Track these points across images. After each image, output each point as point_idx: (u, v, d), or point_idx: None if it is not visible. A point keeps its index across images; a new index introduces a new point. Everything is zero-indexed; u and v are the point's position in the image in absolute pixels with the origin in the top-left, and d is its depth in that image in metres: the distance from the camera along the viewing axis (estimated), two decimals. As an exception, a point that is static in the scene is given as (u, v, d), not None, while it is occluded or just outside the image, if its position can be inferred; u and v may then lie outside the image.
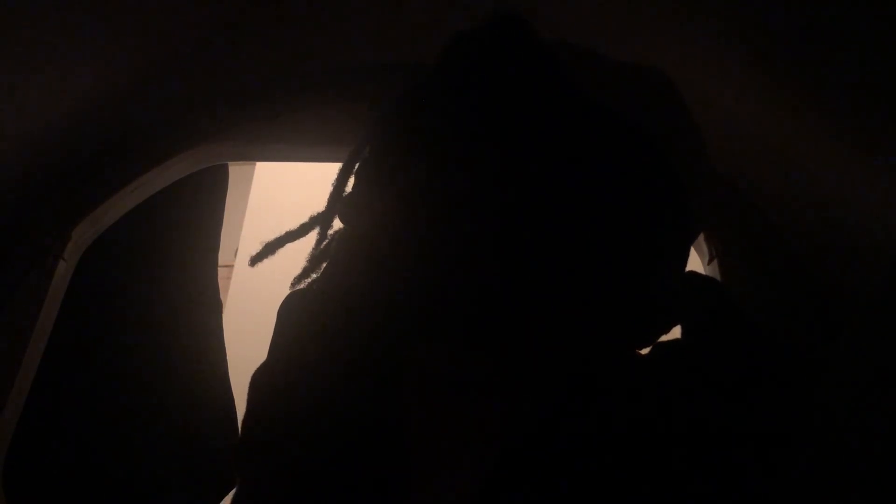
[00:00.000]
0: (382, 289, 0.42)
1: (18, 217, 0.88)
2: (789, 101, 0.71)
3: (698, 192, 0.45)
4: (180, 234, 1.12)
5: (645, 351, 0.47)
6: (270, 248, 0.54)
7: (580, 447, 0.41)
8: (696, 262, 0.92)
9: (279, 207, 1.98)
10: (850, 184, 0.71)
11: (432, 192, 0.40)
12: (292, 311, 0.51)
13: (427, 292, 0.40)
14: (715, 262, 0.87)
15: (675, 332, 0.48)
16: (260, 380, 0.50)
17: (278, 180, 2.11)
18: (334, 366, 0.46)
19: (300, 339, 0.49)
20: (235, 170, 1.49)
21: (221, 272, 1.24)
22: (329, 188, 0.52)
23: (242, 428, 0.49)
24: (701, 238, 0.89)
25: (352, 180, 0.49)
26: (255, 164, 2.07)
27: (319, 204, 0.54)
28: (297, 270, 0.52)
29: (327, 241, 0.50)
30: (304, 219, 0.56)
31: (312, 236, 0.52)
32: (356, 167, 0.48)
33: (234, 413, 1.10)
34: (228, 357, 1.15)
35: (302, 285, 0.51)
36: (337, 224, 0.50)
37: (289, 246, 0.55)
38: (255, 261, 0.54)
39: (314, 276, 0.52)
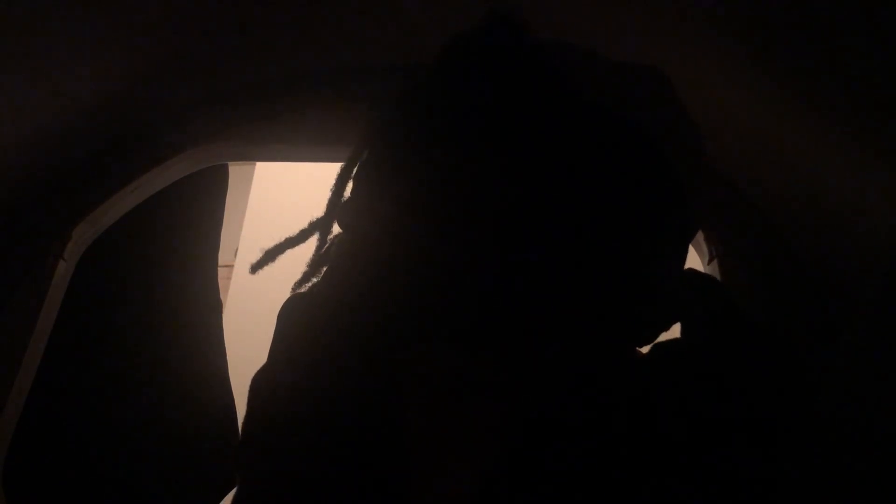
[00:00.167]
0: (383, 290, 0.42)
1: (18, 217, 0.88)
2: (789, 101, 0.71)
3: (697, 190, 0.45)
4: (180, 233, 1.12)
5: (645, 349, 0.47)
6: (271, 255, 0.54)
7: (580, 447, 0.41)
8: (696, 262, 0.92)
9: (279, 207, 1.98)
10: (851, 183, 0.71)
11: (431, 193, 0.40)
12: (292, 314, 0.52)
13: (428, 293, 0.40)
14: (715, 262, 0.87)
15: (675, 331, 0.48)
16: (260, 382, 0.50)
17: (278, 180, 2.11)
18: (335, 368, 0.46)
19: (301, 342, 0.49)
20: (235, 170, 1.49)
21: (221, 272, 1.24)
22: (329, 189, 0.52)
23: (243, 430, 0.49)
24: (701, 238, 0.89)
25: (350, 185, 0.49)
26: (255, 164, 2.07)
27: (319, 204, 0.54)
28: (298, 271, 0.52)
29: (327, 245, 0.50)
30: (305, 219, 0.56)
31: (313, 240, 0.52)
32: (354, 171, 0.48)
33: (234, 413, 1.10)
34: (228, 357, 1.15)
35: (303, 289, 0.51)
36: (337, 229, 0.50)
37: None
38: (255, 268, 0.54)
39: (315, 280, 0.52)
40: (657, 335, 0.45)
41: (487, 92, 0.41)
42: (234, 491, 0.49)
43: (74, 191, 0.91)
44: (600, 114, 0.41)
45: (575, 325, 0.41)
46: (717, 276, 0.87)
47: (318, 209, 0.55)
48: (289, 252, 0.55)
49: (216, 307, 1.18)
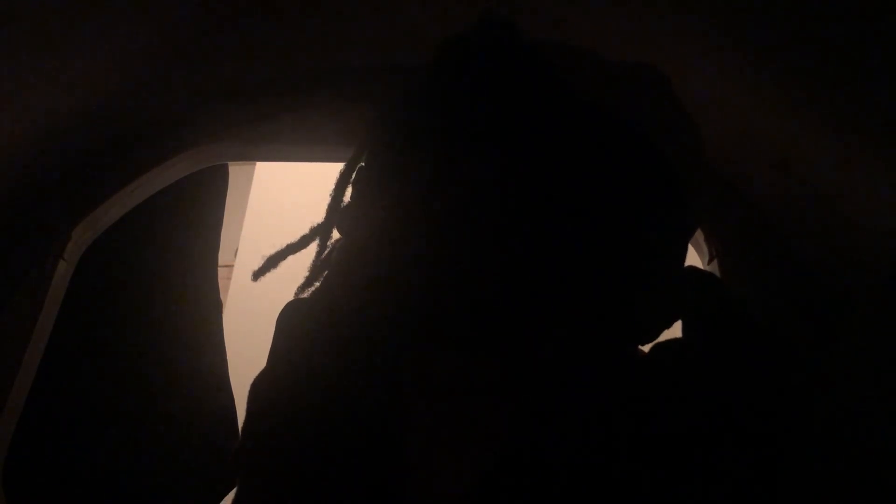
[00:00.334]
0: (382, 293, 0.42)
1: (18, 217, 0.88)
2: (789, 101, 0.71)
3: (696, 188, 0.45)
4: (180, 233, 1.12)
5: (646, 348, 0.47)
6: (272, 262, 0.54)
7: (580, 447, 0.41)
8: (696, 262, 0.92)
9: (279, 207, 1.98)
10: (851, 183, 0.71)
11: (429, 196, 0.40)
12: (292, 319, 0.52)
13: (427, 295, 0.40)
14: (715, 261, 0.87)
15: (676, 330, 0.48)
16: (260, 386, 0.50)
17: (278, 180, 2.11)
18: (334, 371, 0.46)
19: (300, 346, 0.49)
20: (235, 170, 1.49)
21: (221, 272, 1.24)
22: (329, 189, 0.52)
23: (242, 433, 0.49)
24: (701, 238, 0.89)
25: (350, 190, 0.49)
26: (255, 164, 2.07)
27: (320, 204, 0.54)
28: (298, 271, 0.53)
29: (328, 250, 0.51)
30: (305, 219, 0.56)
31: (314, 243, 0.52)
32: (353, 176, 0.48)
33: (234, 413, 1.10)
34: (228, 357, 1.15)
35: (305, 294, 0.52)
36: (337, 234, 0.50)
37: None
38: (257, 275, 0.54)
39: (316, 284, 0.52)
40: (658, 334, 0.45)
41: (484, 93, 0.41)
42: (233, 492, 0.49)
43: (74, 191, 0.91)
44: (598, 113, 0.41)
45: (575, 325, 0.41)
46: (717, 275, 0.87)
47: (318, 209, 0.55)
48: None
49: (216, 307, 1.18)
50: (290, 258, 0.56)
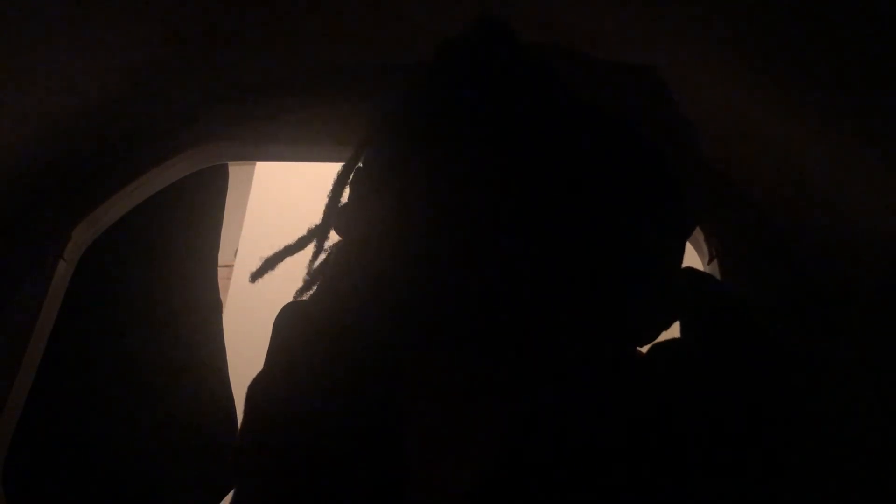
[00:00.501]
0: (380, 294, 0.42)
1: (19, 217, 0.88)
2: (789, 101, 0.71)
3: (693, 188, 0.45)
4: (180, 233, 1.12)
5: (645, 348, 0.47)
6: (270, 264, 0.54)
7: (579, 447, 0.41)
8: (696, 262, 0.92)
9: (279, 207, 1.98)
10: (851, 183, 0.71)
11: (427, 196, 0.41)
12: (290, 321, 0.52)
13: (426, 296, 0.40)
14: (715, 261, 0.87)
15: (675, 331, 0.48)
16: (257, 389, 0.50)
17: (278, 180, 2.11)
18: (332, 373, 0.46)
19: (297, 349, 0.49)
20: (235, 170, 1.49)
21: (221, 272, 1.24)
22: (329, 189, 0.52)
23: (239, 436, 0.49)
24: (701, 238, 0.89)
25: (347, 191, 0.49)
26: (255, 164, 2.07)
27: (319, 204, 0.54)
28: (297, 272, 0.53)
29: (326, 253, 0.51)
30: (305, 219, 0.56)
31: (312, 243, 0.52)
32: (351, 177, 0.48)
33: (235, 413, 1.10)
34: (228, 357, 1.15)
35: (304, 296, 0.52)
36: (335, 236, 0.50)
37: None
38: (255, 277, 0.54)
39: (315, 287, 0.52)
40: (657, 335, 0.45)
41: (481, 95, 0.41)
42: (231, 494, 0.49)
43: (74, 191, 0.91)
44: (595, 113, 0.41)
45: (574, 325, 0.41)
46: (717, 275, 0.87)
47: (318, 209, 0.55)
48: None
49: (216, 307, 1.18)
50: (290, 259, 0.56)
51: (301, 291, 0.52)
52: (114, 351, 1.02)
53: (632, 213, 0.41)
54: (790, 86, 0.69)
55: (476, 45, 0.43)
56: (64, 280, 0.90)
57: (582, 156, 0.40)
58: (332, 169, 0.52)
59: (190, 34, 0.80)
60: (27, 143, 0.80)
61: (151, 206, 0.99)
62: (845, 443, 0.67)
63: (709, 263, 0.90)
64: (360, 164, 0.47)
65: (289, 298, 0.54)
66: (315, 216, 0.55)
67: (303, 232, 0.53)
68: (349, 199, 0.48)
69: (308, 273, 0.51)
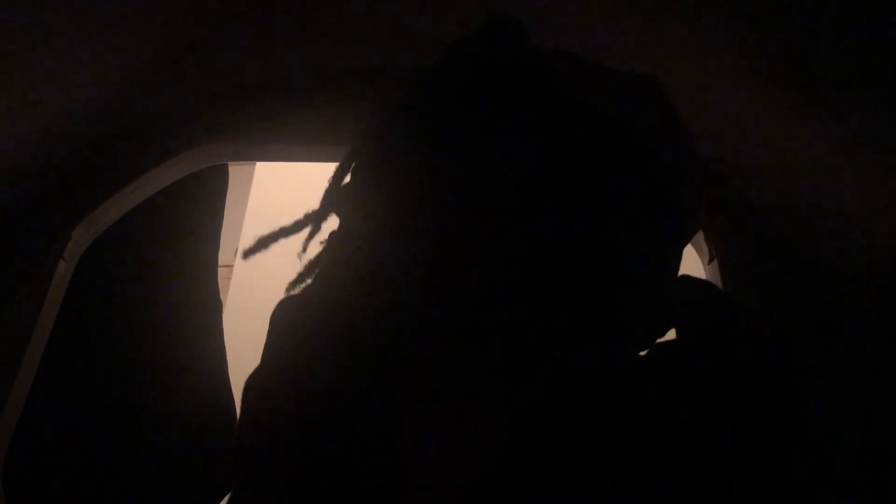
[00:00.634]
0: (379, 291, 0.42)
1: (18, 217, 0.88)
2: (789, 102, 0.71)
3: (690, 196, 0.45)
4: (180, 233, 1.12)
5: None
6: (264, 243, 0.54)
7: (578, 447, 0.41)
8: (696, 262, 0.92)
9: (279, 207, 1.97)
10: (851, 184, 0.71)
11: (428, 190, 0.41)
12: (286, 316, 0.52)
13: (424, 293, 0.40)
14: (715, 262, 0.88)
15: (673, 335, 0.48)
16: (253, 384, 0.50)
17: (278, 180, 2.11)
18: (329, 369, 0.46)
19: (294, 344, 0.49)
20: (235, 170, 1.49)
21: (221, 272, 1.24)
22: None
23: (236, 433, 0.49)
24: (701, 238, 0.89)
25: (348, 179, 0.49)
26: (255, 164, 2.07)
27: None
28: (297, 271, 0.52)
29: (323, 246, 0.50)
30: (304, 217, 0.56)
31: (315, 241, 0.52)
32: (353, 165, 0.48)
33: (234, 413, 1.10)
34: (228, 357, 1.15)
35: (297, 290, 0.51)
36: (331, 226, 0.50)
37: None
38: (248, 254, 0.54)
39: (308, 281, 0.52)
40: (652, 340, 0.45)
41: (487, 95, 0.41)
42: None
43: (74, 191, 0.91)
44: (595, 117, 0.41)
45: (572, 326, 0.41)
46: (717, 276, 0.87)
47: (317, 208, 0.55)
48: (288, 252, 0.55)
49: (216, 307, 1.18)
50: (291, 257, 0.55)
51: (294, 284, 0.51)
52: (114, 351, 1.02)
53: (631, 219, 0.41)
54: (790, 87, 0.69)
55: (484, 45, 0.43)
56: (64, 280, 0.90)
57: (584, 160, 0.40)
58: (331, 169, 0.52)
59: (190, 34, 0.80)
60: (27, 143, 0.80)
61: (151, 205, 0.99)
62: (845, 443, 0.67)
63: (709, 264, 0.90)
64: (364, 155, 0.47)
65: (289, 300, 0.54)
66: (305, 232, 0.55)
67: (302, 233, 0.53)
68: (350, 183, 0.48)
69: (301, 261, 0.51)
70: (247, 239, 2.09)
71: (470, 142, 0.41)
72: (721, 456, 0.41)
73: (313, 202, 0.55)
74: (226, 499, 0.49)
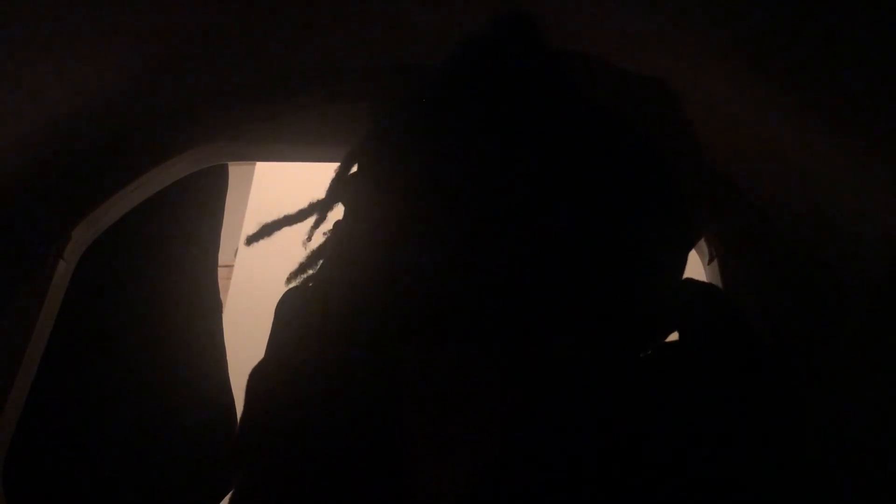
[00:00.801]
0: (381, 286, 0.42)
1: (18, 217, 0.88)
2: (789, 102, 0.71)
3: (697, 202, 0.45)
4: (180, 233, 1.12)
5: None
6: (267, 230, 0.54)
7: (578, 446, 0.41)
8: (696, 262, 0.92)
9: (279, 207, 1.97)
10: (850, 183, 0.71)
11: (434, 186, 0.40)
12: (290, 309, 0.52)
13: (428, 290, 0.40)
14: (715, 262, 0.87)
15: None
16: (257, 378, 0.50)
17: (278, 180, 2.11)
18: (332, 364, 0.46)
19: (298, 337, 0.49)
20: (235, 170, 1.49)
21: (221, 272, 1.24)
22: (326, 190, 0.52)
23: (240, 427, 0.49)
24: (701, 239, 0.89)
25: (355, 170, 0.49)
26: (255, 164, 2.07)
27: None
28: (300, 261, 0.52)
29: (326, 237, 0.50)
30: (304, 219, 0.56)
31: (315, 238, 0.52)
32: (361, 157, 0.48)
33: (235, 413, 1.10)
34: (228, 357, 1.15)
35: (297, 281, 0.51)
36: (335, 217, 0.50)
37: (290, 245, 0.55)
38: (251, 240, 0.54)
39: (310, 272, 0.52)
40: (654, 342, 0.45)
41: (494, 91, 0.41)
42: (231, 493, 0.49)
43: (74, 191, 0.91)
44: (606, 119, 0.41)
45: (574, 327, 0.41)
46: (717, 276, 0.87)
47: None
48: (289, 252, 0.55)
49: (216, 307, 1.18)
50: (291, 257, 0.55)
51: (294, 274, 0.51)
52: (114, 351, 1.02)
53: (637, 222, 0.41)
54: (791, 88, 0.69)
55: (497, 40, 0.43)
56: (64, 280, 0.90)
57: (592, 162, 0.40)
58: (332, 169, 0.52)
59: (190, 34, 0.80)
60: (27, 143, 0.80)
61: (151, 206, 0.99)
62: (845, 443, 0.67)
63: (709, 264, 0.90)
64: (372, 146, 0.47)
65: (289, 301, 0.54)
66: (310, 222, 0.55)
67: (303, 233, 0.53)
68: (356, 174, 0.48)
69: (306, 258, 0.51)
70: (247, 239, 2.06)
71: (478, 140, 0.40)
72: (721, 457, 0.41)
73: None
74: (227, 497, 0.49)
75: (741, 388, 0.43)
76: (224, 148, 0.96)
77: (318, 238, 0.52)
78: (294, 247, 0.55)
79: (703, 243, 0.90)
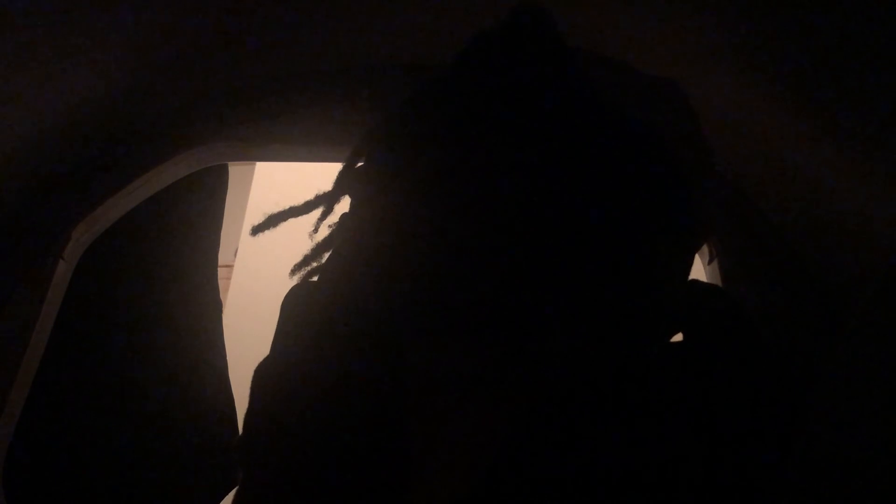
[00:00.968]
0: (388, 284, 0.42)
1: (18, 217, 0.88)
2: (789, 103, 0.71)
3: (705, 204, 0.45)
4: (180, 234, 1.12)
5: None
6: (273, 221, 0.54)
7: (583, 445, 0.41)
8: (696, 263, 0.92)
9: (279, 207, 1.97)
10: (850, 183, 0.71)
11: (445, 182, 0.40)
12: (296, 306, 0.51)
13: (433, 288, 0.40)
14: (715, 262, 0.87)
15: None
16: (263, 374, 0.50)
17: (278, 180, 2.11)
18: (338, 362, 0.46)
19: (304, 335, 0.49)
20: (235, 170, 1.49)
21: (221, 272, 1.24)
22: (329, 188, 0.52)
23: (245, 423, 0.49)
24: (701, 238, 0.89)
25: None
26: (255, 164, 2.07)
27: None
28: (304, 252, 0.52)
29: (331, 229, 0.50)
30: (304, 219, 0.56)
31: (316, 238, 0.52)
32: (368, 151, 0.48)
33: (234, 413, 1.10)
34: (228, 357, 1.15)
35: (301, 272, 0.51)
36: (341, 210, 0.50)
37: (290, 245, 0.55)
38: (256, 231, 0.54)
39: (314, 264, 0.51)
40: (658, 343, 0.45)
41: (509, 88, 0.41)
42: (235, 489, 0.49)
43: (74, 191, 0.91)
44: (620, 121, 0.41)
45: (581, 324, 0.41)
46: (717, 276, 0.87)
47: (318, 210, 0.55)
48: (289, 252, 0.55)
49: (216, 307, 1.18)
50: (292, 257, 0.55)
51: (299, 266, 0.51)
52: (113, 351, 1.02)
53: (646, 222, 0.41)
54: (791, 89, 0.69)
55: (511, 35, 0.43)
56: (64, 280, 0.90)
57: (602, 162, 0.40)
58: (332, 169, 0.52)
59: (190, 35, 0.80)
60: (27, 144, 0.80)
61: (151, 206, 0.99)
62: (845, 443, 0.67)
63: (709, 264, 0.90)
64: (380, 139, 0.47)
65: (288, 300, 0.54)
66: (314, 215, 0.55)
67: (303, 232, 0.53)
68: (364, 166, 0.48)
69: (311, 249, 0.51)
70: (247, 239, 2.09)
71: (489, 136, 0.40)
72: (724, 456, 0.41)
73: (313, 202, 0.55)
74: (231, 495, 0.49)
75: (747, 389, 0.43)
76: (224, 148, 0.96)
77: (325, 231, 0.52)
78: (294, 246, 0.55)
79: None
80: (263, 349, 0.53)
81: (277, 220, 0.54)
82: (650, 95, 0.44)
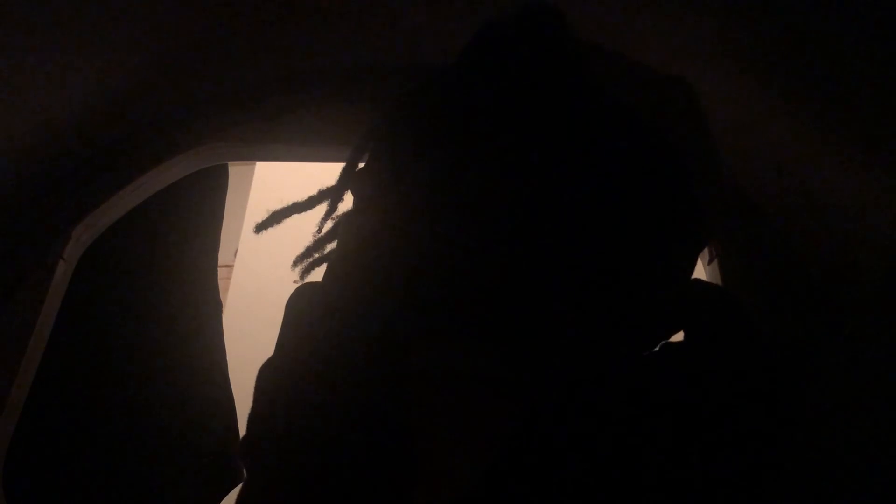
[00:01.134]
0: (391, 284, 0.42)
1: (18, 217, 0.88)
2: (789, 104, 0.71)
3: (710, 203, 0.45)
4: (180, 234, 1.12)
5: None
6: (276, 218, 0.54)
7: (582, 444, 0.41)
8: (696, 263, 0.92)
9: (281, 205, 1.97)
10: (850, 183, 0.71)
11: (449, 180, 0.40)
12: (301, 305, 0.51)
13: (437, 287, 0.40)
14: (715, 262, 0.87)
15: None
16: (267, 374, 0.50)
17: (278, 180, 2.11)
18: (343, 361, 0.46)
19: (309, 334, 0.49)
20: (235, 170, 1.49)
21: (221, 272, 1.24)
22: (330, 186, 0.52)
23: (249, 422, 0.49)
24: (701, 238, 0.89)
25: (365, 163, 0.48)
26: (255, 164, 2.07)
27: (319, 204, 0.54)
28: (306, 245, 0.52)
29: (333, 223, 0.50)
30: (304, 219, 0.56)
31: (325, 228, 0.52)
32: (372, 148, 0.48)
33: (235, 413, 1.10)
34: (228, 357, 1.15)
35: (304, 264, 0.51)
36: (343, 207, 0.50)
37: (290, 246, 0.55)
38: (259, 228, 0.54)
39: (317, 255, 0.51)
40: (659, 341, 0.45)
41: (516, 86, 0.41)
42: (235, 490, 0.49)
43: (74, 191, 0.91)
44: (626, 117, 0.41)
45: (581, 324, 0.41)
46: (717, 276, 0.87)
47: (318, 209, 0.55)
48: (289, 252, 0.55)
49: (216, 307, 1.18)
50: (290, 258, 0.55)
51: (301, 258, 0.51)
52: (113, 351, 1.02)
53: (650, 223, 0.41)
54: (792, 89, 0.69)
55: (518, 33, 0.43)
56: (64, 280, 0.90)
57: (608, 163, 0.40)
58: (332, 169, 0.52)
59: (190, 35, 0.80)
60: (27, 144, 0.80)
61: (151, 205, 0.99)
62: (845, 443, 0.67)
63: (709, 264, 0.90)
64: (384, 136, 0.47)
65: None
66: (315, 215, 0.55)
67: (303, 231, 0.53)
68: (367, 163, 0.48)
69: (312, 243, 0.51)
70: (247, 239, 2.10)
71: (495, 134, 0.40)
72: (723, 456, 0.41)
73: (313, 202, 0.55)
74: (230, 497, 0.49)
75: (747, 388, 0.43)
76: (224, 148, 0.96)
77: (329, 228, 0.51)
78: (295, 246, 0.55)
79: (702, 243, 0.89)
80: (263, 349, 0.53)
81: (281, 217, 0.54)
82: (660, 94, 0.44)
